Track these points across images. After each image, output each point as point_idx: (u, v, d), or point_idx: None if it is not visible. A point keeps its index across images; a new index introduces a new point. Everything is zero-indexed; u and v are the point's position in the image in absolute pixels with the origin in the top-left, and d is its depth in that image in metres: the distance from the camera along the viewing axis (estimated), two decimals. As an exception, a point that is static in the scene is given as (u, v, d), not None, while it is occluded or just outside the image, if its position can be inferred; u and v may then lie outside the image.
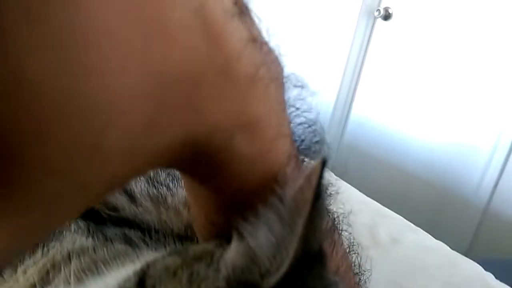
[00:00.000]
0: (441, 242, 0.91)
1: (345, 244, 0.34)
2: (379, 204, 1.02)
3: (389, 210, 1.00)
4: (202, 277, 0.21)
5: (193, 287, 0.21)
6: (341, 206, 0.33)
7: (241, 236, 0.23)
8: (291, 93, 0.28)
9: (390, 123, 1.80)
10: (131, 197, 0.41)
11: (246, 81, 0.22)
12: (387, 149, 1.81)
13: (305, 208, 0.21)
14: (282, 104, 0.25)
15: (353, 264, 0.34)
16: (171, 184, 0.47)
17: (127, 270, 0.24)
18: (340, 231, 0.33)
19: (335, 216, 0.32)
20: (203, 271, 0.22)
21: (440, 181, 1.66)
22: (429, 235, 0.93)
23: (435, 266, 0.79)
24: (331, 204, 0.32)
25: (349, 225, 0.35)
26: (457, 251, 0.88)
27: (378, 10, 1.80)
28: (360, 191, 1.08)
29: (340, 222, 0.33)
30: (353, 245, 0.36)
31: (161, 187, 0.45)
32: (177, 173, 0.52)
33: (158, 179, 0.47)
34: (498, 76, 1.49)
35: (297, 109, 0.29)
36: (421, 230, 0.94)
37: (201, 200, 0.27)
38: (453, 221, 1.60)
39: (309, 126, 0.31)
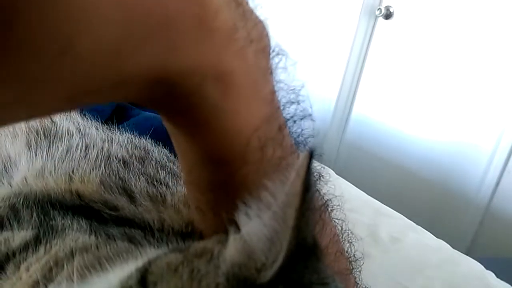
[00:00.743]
0: (441, 241, 0.91)
1: (337, 228, 0.34)
2: (379, 203, 1.02)
3: (390, 209, 1.00)
4: (203, 274, 0.22)
5: (194, 283, 0.21)
6: (333, 194, 0.33)
7: (238, 231, 0.24)
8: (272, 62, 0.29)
9: (391, 122, 1.80)
10: (131, 197, 0.41)
11: (221, 36, 0.23)
12: (388, 148, 1.81)
13: (295, 200, 0.22)
14: (263, 69, 0.27)
15: (345, 250, 0.34)
16: (170, 183, 0.47)
17: (130, 267, 0.25)
18: (331, 215, 0.34)
19: (326, 198, 0.33)
20: (203, 268, 0.22)
21: (442, 180, 1.66)
22: (430, 234, 0.93)
23: (435, 265, 0.79)
24: (321, 187, 0.33)
25: (343, 212, 0.35)
26: (458, 250, 0.88)
27: (379, 9, 1.80)
28: (361, 189, 1.08)
29: (332, 207, 0.33)
30: (346, 233, 0.36)
31: (160, 186, 0.45)
32: (177, 171, 0.52)
33: (158, 178, 0.47)
34: (500, 75, 1.49)
35: (280, 81, 0.30)
36: (422, 228, 0.94)
37: (183, 154, 0.28)
38: (454, 220, 1.60)
39: (295, 101, 0.32)
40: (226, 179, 0.27)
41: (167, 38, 0.21)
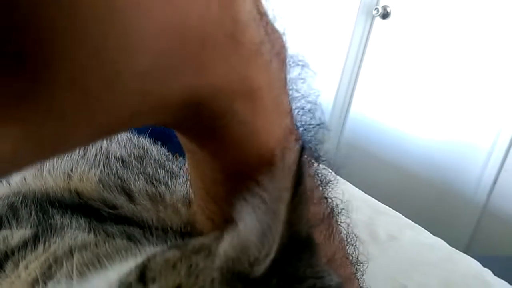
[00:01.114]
0: (439, 239, 0.91)
1: (343, 233, 0.34)
2: (377, 201, 1.03)
3: (387, 207, 1.00)
4: (200, 269, 0.22)
5: (191, 278, 0.21)
6: (340, 198, 0.34)
7: (233, 227, 0.24)
8: (292, 73, 0.29)
9: (389, 121, 1.81)
10: (130, 196, 0.41)
11: (250, 50, 0.23)
12: (386, 147, 1.81)
13: (287, 195, 0.22)
14: (282, 81, 0.26)
15: (350, 255, 0.34)
16: (169, 182, 0.47)
17: (129, 264, 0.25)
18: (338, 220, 0.34)
19: (334, 204, 0.33)
20: (201, 263, 0.22)
21: (439, 178, 1.67)
22: (427, 232, 0.93)
23: (433, 263, 0.79)
24: (329, 192, 0.33)
25: (348, 216, 0.35)
26: (456, 249, 0.89)
27: (377, 8, 1.80)
28: (359, 188, 1.08)
29: (339, 212, 0.34)
30: (351, 237, 0.36)
31: (159, 185, 0.45)
32: (176, 170, 0.52)
33: (157, 177, 0.47)
34: (497, 74, 1.50)
35: (297, 91, 0.30)
36: (419, 227, 0.95)
37: (201, 169, 0.28)
38: (452, 218, 1.61)
39: (309, 111, 0.32)
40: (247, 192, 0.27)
41: (201, 59, 0.20)
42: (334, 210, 0.33)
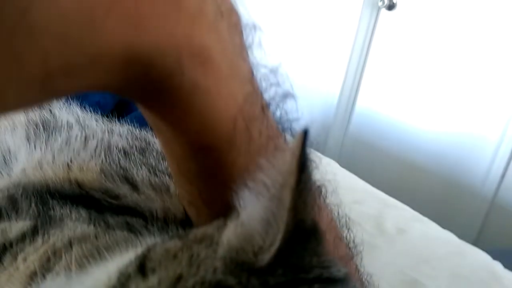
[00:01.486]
0: (448, 232, 0.90)
1: (333, 213, 0.33)
2: (385, 195, 1.01)
3: (396, 200, 0.99)
4: (202, 259, 0.21)
5: (192, 268, 0.20)
6: (326, 178, 0.32)
7: (237, 215, 0.23)
8: (249, 40, 0.28)
9: (395, 114, 1.79)
10: (133, 185, 0.41)
11: (190, 9, 0.22)
12: (393, 141, 1.80)
13: (291, 180, 0.21)
14: (238, 46, 0.25)
15: (343, 236, 0.33)
16: (173, 173, 0.47)
17: (129, 255, 0.24)
18: (325, 198, 0.33)
19: (319, 183, 0.32)
20: (203, 253, 0.21)
21: (447, 172, 1.65)
22: (436, 225, 0.92)
23: (442, 256, 0.78)
24: (314, 172, 0.31)
25: (337, 197, 0.34)
26: (465, 242, 0.87)
27: (382, 0, 1.78)
28: (367, 182, 1.07)
29: (326, 192, 0.32)
30: (342, 218, 0.35)
31: (163, 176, 0.44)
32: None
33: (160, 168, 0.46)
34: (505, 66, 1.47)
35: (256, 58, 0.29)
36: (428, 220, 0.93)
37: (170, 148, 0.27)
38: (460, 211, 1.59)
39: (267, 80, 0.30)
40: (215, 165, 0.26)
41: (133, 10, 0.20)
42: (320, 190, 0.32)
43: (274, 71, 0.31)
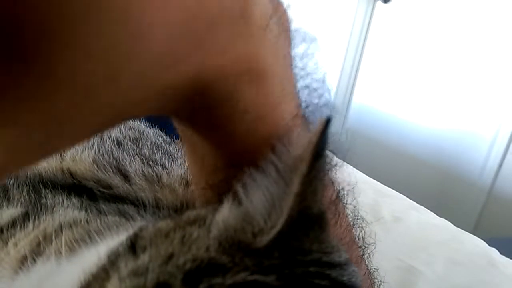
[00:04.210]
0: (444, 220, 0.90)
1: (349, 217, 0.33)
2: (381, 184, 1.01)
3: (392, 190, 0.99)
4: (194, 238, 0.21)
5: (184, 247, 0.20)
6: (346, 180, 0.32)
7: (234, 197, 0.23)
8: (298, 49, 0.27)
9: (391, 108, 1.79)
10: (125, 176, 0.40)
11: (259, 28, 0.21)
12: (389, 134, 1.80)
13: (303, 166, 0.21)
14: (288, 59, 0.25)
15: (357, 238, 0.33)
16: (166, 163, 0.46)
17: (121, 238, 0.24)
18: (345, 204, 0.32)
19: (341, 187, 0.31)
20: (195, 233, 0.21)
21: (444, 164, 1.65)
22: (432, 213, 0.92)
23: (439, 243, 0.78)
24: (336, 175, 0.31)
25: (354, 198, 0.34)
26: (462, 233, 0.87)
27: (377, -8, 1.77)
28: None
29: (345, 195, 0.32)
30: (357, 219, 0.35)
31: (156, 166, 0.44)
32: (173, 152, 0.51)
33: (153, 159, 0.46)
34: (500, 63, 1.47)
35: (302, 69, 0.28)
36: (425, 208, 0.93)
37: (201, 158, 0.26)
38: (457, 203, 1.60)
39: (315, 90, 0.30)
40: None
41: (211, 39, 0.19)
42: (340, 194, 0.32)
43: (319, 80, 0.30)
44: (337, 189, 0.31)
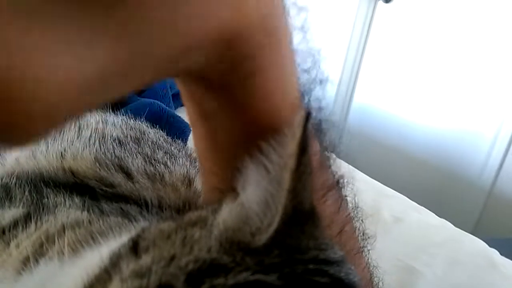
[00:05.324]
0: (444, 220, 0.90)
1: (349, 206, 0.33)
2: (382, 185, 1.01)
3: (392, 190, 0.99)
4: (196, 239, 0.21)
5: (186, 249, 0.20)
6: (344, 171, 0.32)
7: (234, 197, 0.23)
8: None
9: (392, 108, 1.79)
10: (128, 174, 0.40)
11: None
12: (390, 134, 1.80)
13: (291, 162, 0.21)
14: (290, 29, 0.25)
15: (357, 229, 0.33)
16: (168, 162, 0.46)
17: (123, 240, 0.24)
18: (344, 192, 0.32)
19: (340, 176, 0.32)
20: (197, 234, 0.21)
21: (444, 164, 1.65)
22: (433, 214, 0.92)
23: (439, 243, 0.78)
24: (334, 165, 0.31)
25: (353, 190, 0.34)
26: (462, 233, 0.87)
27: (378, -9, 1.77)
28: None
29: (344, 184, 0.32)
30: (356, 211, 0.35)
31: (158, 165, 0.44)
32: (174, 152, 0.51)
33: (155, 157, 0.46)
34: (501, 62, 1.47)
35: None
36: (425, 209, 0.93)
37: (215, 133, 0.26)
38: (458, 203, 1.60)
39: (306, 70, 0.30)
40: None
41: None
42: (340, 182, 0.32)
43: (312, 53, 0.31)
44: (336, 176, 0.32)
